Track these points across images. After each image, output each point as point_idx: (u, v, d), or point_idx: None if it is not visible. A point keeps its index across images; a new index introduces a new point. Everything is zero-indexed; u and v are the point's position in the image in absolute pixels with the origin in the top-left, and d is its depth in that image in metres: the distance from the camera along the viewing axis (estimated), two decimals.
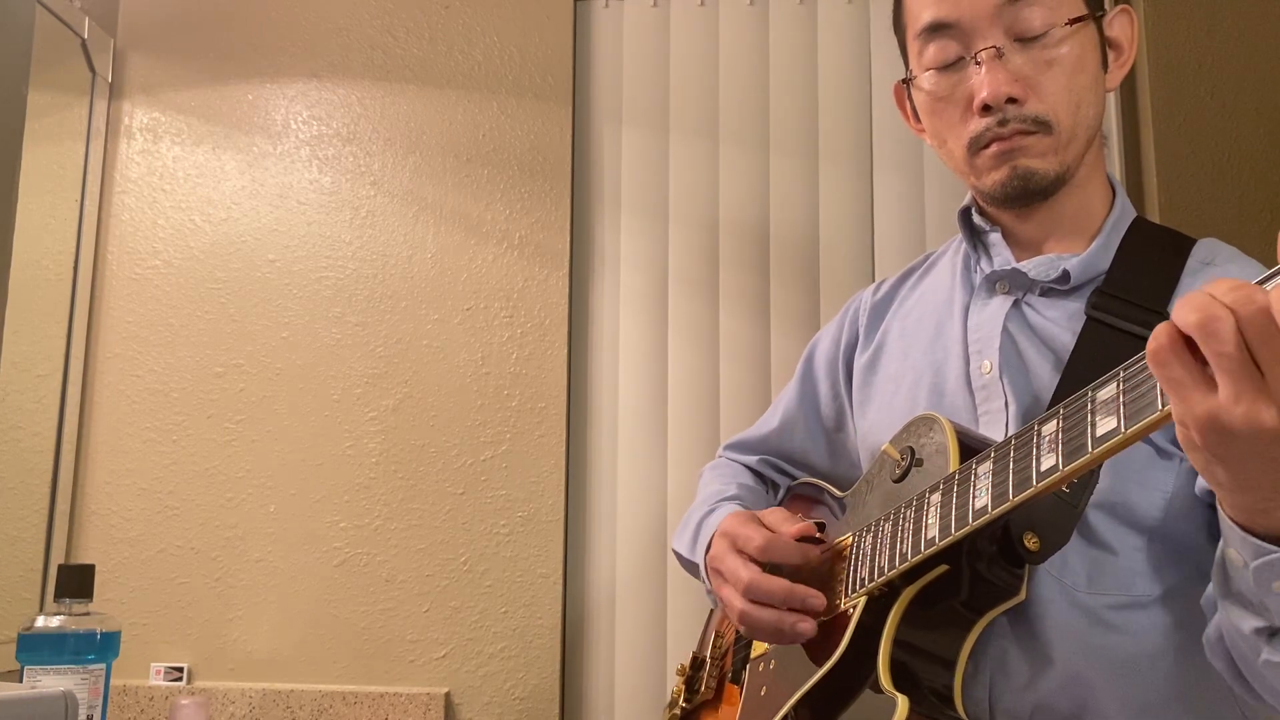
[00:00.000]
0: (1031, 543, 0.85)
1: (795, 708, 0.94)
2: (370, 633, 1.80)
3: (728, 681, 1.19)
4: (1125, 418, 0.66)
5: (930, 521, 0.85)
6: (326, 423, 1.86)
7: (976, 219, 1.11)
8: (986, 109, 0.98)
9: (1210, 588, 0.84)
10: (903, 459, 0.97)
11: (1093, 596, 0.91)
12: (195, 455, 1.86)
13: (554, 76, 1.94)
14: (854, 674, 0.89)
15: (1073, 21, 0.98)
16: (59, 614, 1.20)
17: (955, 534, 0.81)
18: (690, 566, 1.24)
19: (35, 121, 1.72)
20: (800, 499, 1.28)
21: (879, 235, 1.88)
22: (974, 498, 0.80)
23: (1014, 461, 0.77)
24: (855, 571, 0.96)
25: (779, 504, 1.32)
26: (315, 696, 1.76)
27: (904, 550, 0.88)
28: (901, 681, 0.84)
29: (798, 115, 1.92)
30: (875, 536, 0.94)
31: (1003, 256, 1.07)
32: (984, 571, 0.86)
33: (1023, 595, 0.89)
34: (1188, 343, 0.60)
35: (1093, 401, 0.69)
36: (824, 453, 1.30)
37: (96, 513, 1.85)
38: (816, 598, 0.95)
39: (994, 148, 1.00)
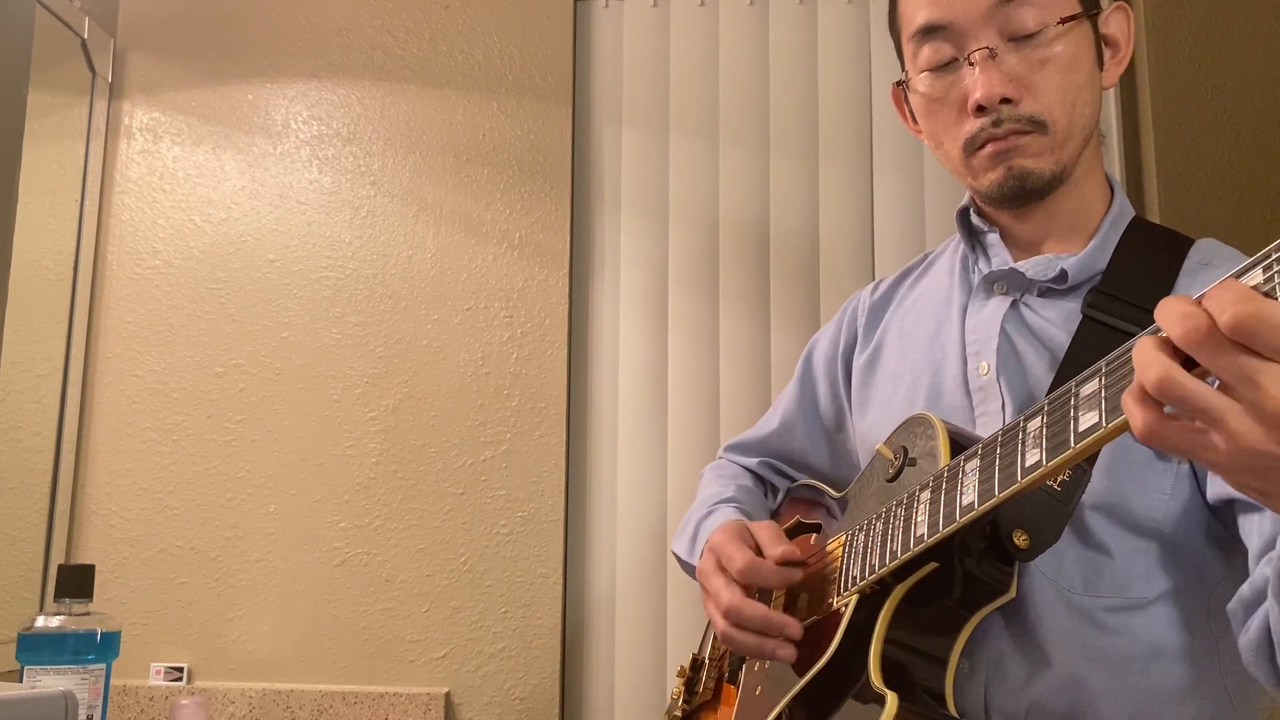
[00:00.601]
0: (1021, 540, 0.85)
1: (789, 706, 0.94)
2: (370, 633, 1.80)
3: (725, 682, 1.19)
4: (1106, 412, 0.66)
5: (920, 519, 0.85)
6: (326, 423, 1.86)
7: (974, 219, 1.11)
8: (981, 110, 0.98)
9: (1242, 596, 0.84)
10: (896, 458, 0.97)
11: (1089, 599, 0.91)
12: (195, 455, 1.87)
13: (554, 76, 1.94)
14: (846, 672, 0.89)
15: (1066, 20, 0.98)
16: (59, 614, 1.20)
17: (943, 531, 0.81)
18: (689, 569, 1.24)
19: (35, 121, 1.72)
20: (799, 501, 1.28)
21: (879, 235, 1.87)
22: (961, 494, 0.80)
23: (1000, 458, 0.77)
24: (848, 570, 0.96)
25: (778, 507, 1.32)
26: (315, 696, 1.76)
27: (894, 548, 0.88)
28: (892, 679, 0.84)
29: (798, 115, 1.92)
30: (867, 535, 0.94)
31: (1001, 257, 1.07)
32: (974, 569, 0.86)
33: (1013, 593, 0.89)
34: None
35: (1076, 396, 0.69)
36: (824, 453, 1.29)
37: (96, 513, 1.85)
38: (793, 627, 0.97)
39: (989, 148, 1.00)
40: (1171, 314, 0.57)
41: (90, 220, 1.90)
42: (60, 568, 1.24)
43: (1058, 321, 1.00)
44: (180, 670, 1.79)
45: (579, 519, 1.86)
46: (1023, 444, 0.74)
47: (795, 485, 1.33)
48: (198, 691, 1.76)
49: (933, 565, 0.87)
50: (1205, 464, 0.60)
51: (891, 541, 0.89)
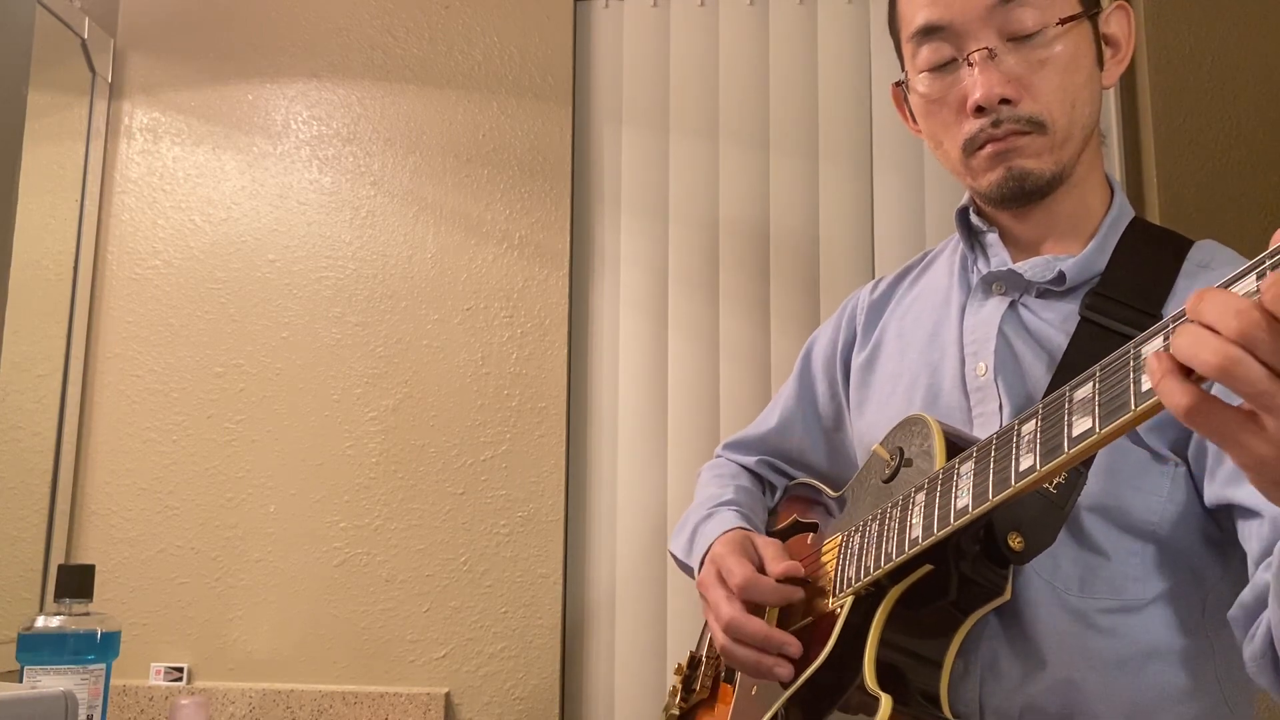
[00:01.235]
0: (1016, 543, 0.85)
1: (785, 706, 0.94)
2: (370, 633, 1.81)
3: (722, 681, 1.19)
4: (1100, 417, 0.65)
5: (914, 521, 0.85)
6: (326, 423, 1.86)
7: (974, 219, 1.11)
8: (980, 110, 0.98)
9: (1244, 603, 0.84)
10: (892, 459, 0.97)
11: (1084, 600, 0.91)
12: (195, 455, 1.87)
13: (554, 76, 1.94)
14: (841, 674, 0.89)
15: (1065, 20, 0.98)
16: (59, 614, 1.20)
17: (938, 534, 0.81)
18: (687, 569, 1.24)
19: (35, 121, 1.72)
20: (796, 499, 1.27)
21: (879, 235, 1.87)
22: (955, 497, 0.80)
23: (994, 461, 0.77)
24: (843, 571, 0.96)
25: (776, 505, 1.32)
26: (315, 696, 1.76)
27: (889, 550, 0.88)
28: (887, 681, 0.84)
29: (798, 115, 1.92)
30: (863, 536, 0.94)
31: (1000, 257, 1.07)
32: (968, 571, 0.86)
33: (1008, 595, 0.89)
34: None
35: (1070, 401, 0.69)
36: (822, 452, 1.29)
37: (96, 513, 1.86)
38: (792, 645, 0.97)
39: (989, 149, 1.00)
40: (1226, 310, 0.56)
41: (90, 220, 1.91)
42: (60, 568, 1.24)
43: (1056, 323, 1.00)
44: (180, 670, 1.80)
45: (579, 519, 1.86)
46: (1017, 448, 0.74)
47: (793, 483, 1.32)
48: (198, 691, 1.76)
49: (928, 568, 0.87)
50: (1241, 458, 0.59)
51: (886, 544, 0.89)
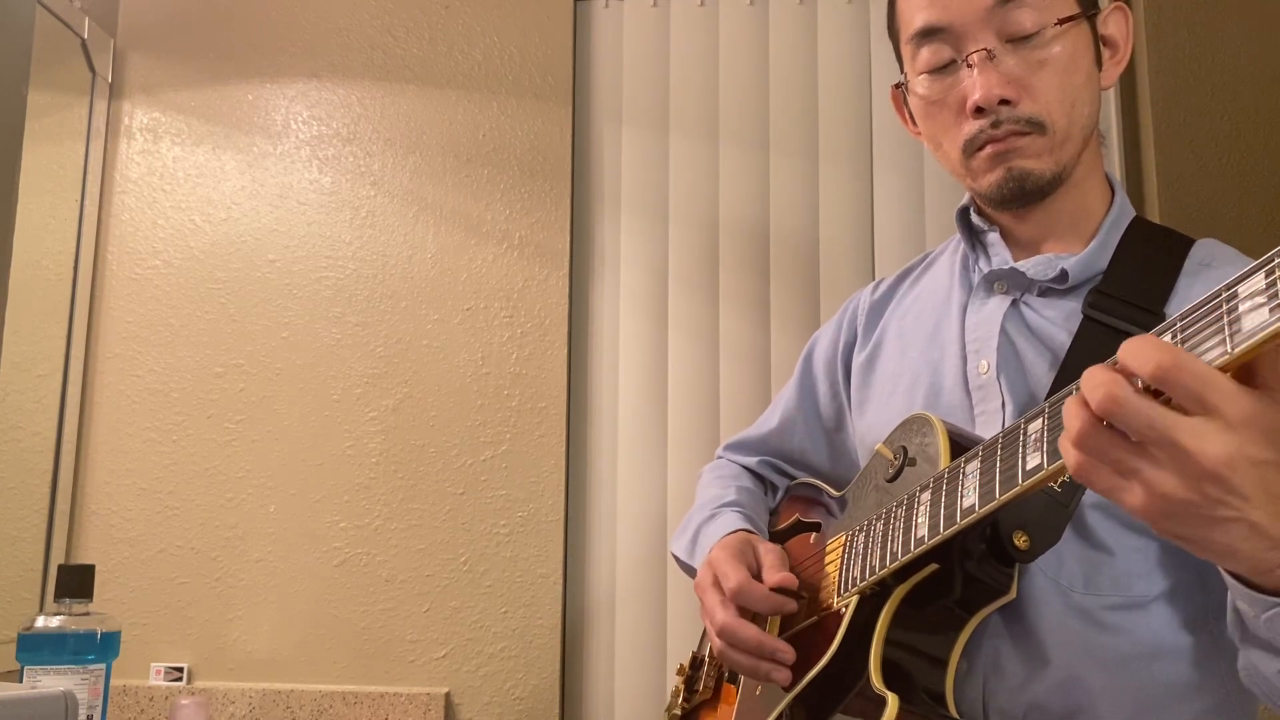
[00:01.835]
0: (1021, 541, 0.85)
1: (789, 706, 0.94)
2: (370, 633, 1.80)
3: (725, 681, 1.19)
4: None
5: (920, 520, 0.85)
6: (326, 423, 1.86)
7: (975, 219, 1.11)
8: (979, 111, 0.98)
9: (1229, 619, 0.84)
10: (896, 458, 0.97)
11: (1089, 597, 0.91)
12: (195, 455, 1.87)
13: (554, 76, 1.94)
14: (846, 673, 0.89)
15: (1064, 21, 0.98)
16: (59, 614, 1.20)
17: (944, 533, 0.81)
18: (689, 570, 1.24)
19: (35, 121, 1.72)
20: (798, 499, 1.27)
21: (879, 235, 1.87)
22: (962, 496, 0.80)
23: (1001, 460, 0.77)
24: (848, 571, 0.96)
25: (777, 505, 1.32)
26: (315, 696, 1.76)
27: (894, 549, 0.88)
28: (893, 680, 0.84)
29: (798, 115, 1.92)
30: (867, 536, 0.94)
31: (1001, 256, 1.07)
32: (974, 570, 0.86)
33: (1013, 594, 0.89)
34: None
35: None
36: (824, 452, 1.29)
37: (96, 513, 1.85)
38: (785, 652, 0.97)
39: (988, 149, 1.00)
40: (1089, 383, 0.62)
41: (90, 220, 1.90)
42: (60, 568, 1.24)
43: (1058, 321, 1.00)
44: (180, 670, 1.79)
45: (579, 519, 1.86)
46: (1023, 446, 0.74)
47: (794, 483, 1.32)
48: (198, 691, 1.76)
49: (933, 566, 0.87)
50: (1128, 510, 0.64)
51: (892, 543, 0.89)
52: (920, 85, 1.04)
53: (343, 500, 1.84)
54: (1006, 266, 1.04)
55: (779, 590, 1.01)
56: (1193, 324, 0.61)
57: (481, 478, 1.84)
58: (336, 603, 1.81)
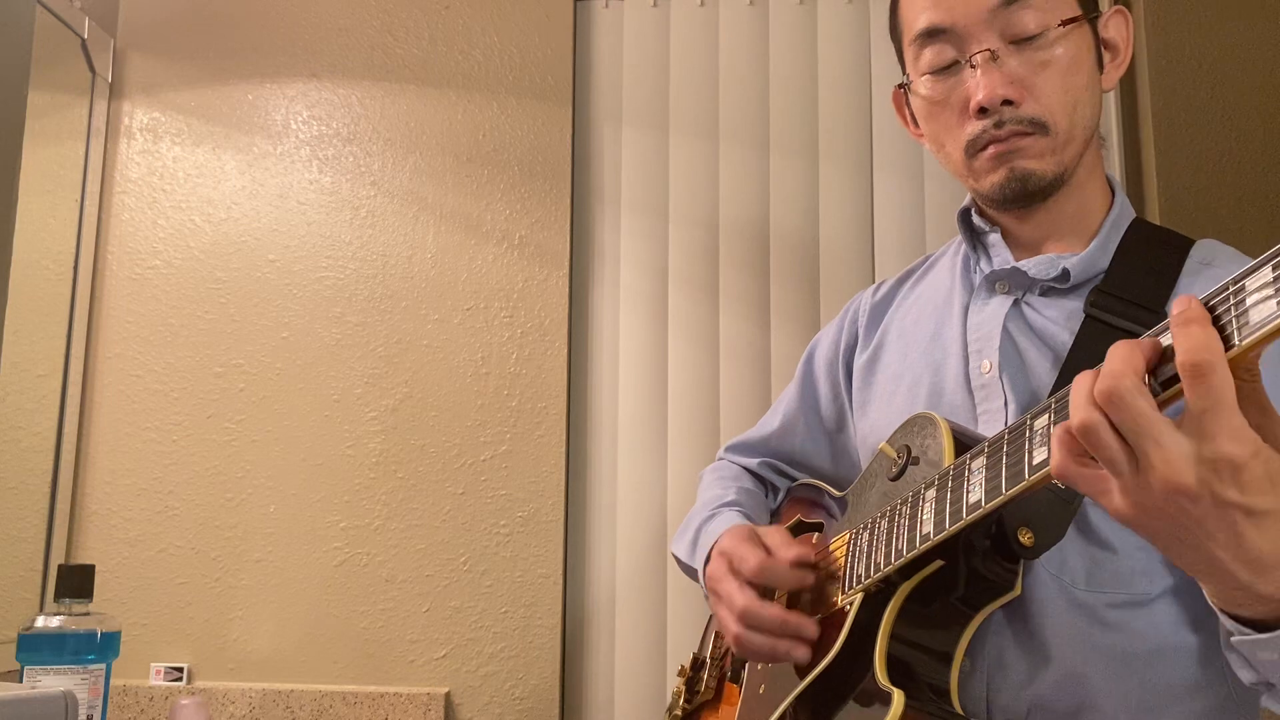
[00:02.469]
0: (1026, 538, 0.85)
1: (793, 705, 0.94)
2: (370, 633, 1.80)
3: (727, 681, 1.19)
4: None
5: (925, 517, 0.85)
6: (326, 423, 1.86)
7: (976, 220, 1.11)
8: (983, 111, 0.98)
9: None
10: (899, 457, 0.97)
11: (1092, 594, 0.91)
12: (195, 455, 1.86)
13: (554, 76, 1.94)
14: (851, 670, 0.89)
15: (1067, 22, 0.98)
16: (59, 614, 1.20)
17: (950, 529, 0.81)
18: (689, 571, 1.24)
19: (35, 121, 1.72)
20: (799, 500, 1.27)
21: (879, 235, 1.88)
22: (968, 492, 0.80)
23: (1007, 455, 0.77)
24: (852, 568, 0.96)
25: (778, 506, 1.32)
26: (315, 696, 1.76)
27: (899, 546, 0.88)
28: (898, 676, 0.84)
29: (798, 115, 1.92)
30: (872, 534, 0.94)
31: (1002, 256, 1.07)
32: (979, 567, 0.86)
33: (1018, 590, 0.89)
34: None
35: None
36: (825, 453, 1.29)
37: (96, 513, 1.85)
38: (810, 626, 0.97)
39: (991, 150, 1.00)
40: (1110, 360, 0.64)
41: (90, 220, 1.90)
42: (60, 568, 1.24)
43: (1060, 320, 1.00)
44: (180, 670, 1.79)
45: (579, 519, 1.86)
46: (1030, 442, 0.74)
47: (796, 485, 1.32)
48: (198, 691, 1.76)
49: (938, 563, 0.88)
50: (1108, 511, 0.66)
51: (897, 540, 0.89)
52: (923, 85, 1.04)
53: (343, 500, 1.84)
54: (1008, 266, 1.05)
55: (798, 565, 1.01)
56: None
57: (481, 478, 1.84)
58: (336, 603, 1.81)
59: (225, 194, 1.94)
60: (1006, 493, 0.76)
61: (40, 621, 1.19)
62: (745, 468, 1.36)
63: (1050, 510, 0.87)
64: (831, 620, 0.95)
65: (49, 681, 1.16)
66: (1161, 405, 0.63)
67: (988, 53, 0.98)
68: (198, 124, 1.96)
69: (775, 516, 1.30)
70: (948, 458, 0.89)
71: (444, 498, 1.83)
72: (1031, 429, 0.75)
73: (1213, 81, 1.79)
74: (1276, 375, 0.69)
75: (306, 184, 1.94)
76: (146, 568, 1.84)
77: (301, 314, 1.90)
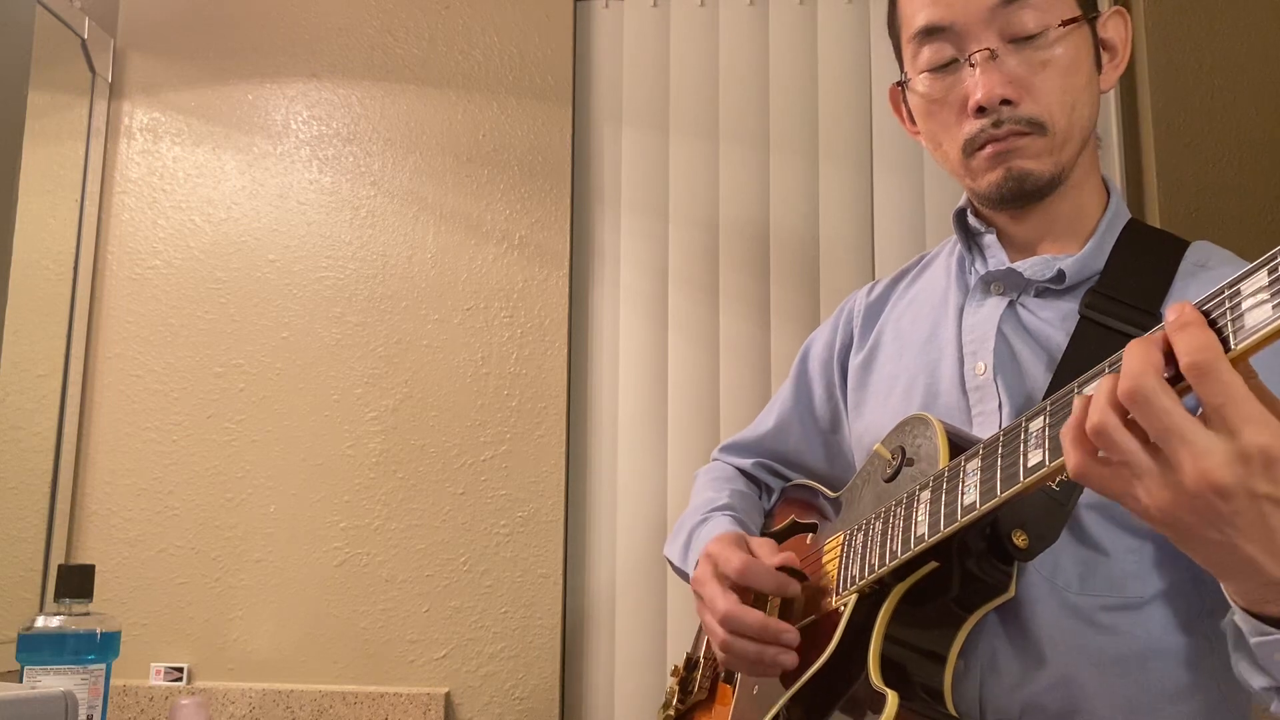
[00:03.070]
0: (1020, 540, 0.85)
1: (787, 705, 0.94)
2: (370, 633, 1.81)
3: (720, 681, 1.19)
4: None
5: (920, 518, 0.85)
6: (326, 423, 1.87)
7: (971, 220, 1.11)
8: (981, 110, 0.98)
9: (1227, 619, 0.84)
10: (894, 458, 0.97)
11: (1084, 597, 0.91)
12: (195, 455, 1.87)
13: (554, 76, 1.94)
14: (845, 671, 0.89)
15: (1066, 23, 0.98)
16: (59, 614, 1.20)
17: (944, 531, 0.82)
18: (682, 574, 1.24)
19: (35, 121, 1.72)
20: (793, 501, 1.27)
21: (879, 235, 1.88)
22: (963, 494, 0.80)
23: (1002, 458, 0.77)
24: (846, 569, 0.96)
25: (772, 507, 1.32)
26: (315, 696, 1.76)
27: (894, 548, 0.88)
28: (891, 678, 0.84)
29: (798, 115, 1.92)
30: (866, 535, 0.94)
31: (997, 257, 1.07)
32: (973, 568, 0.86)
33: (1012, 592, 0.89)
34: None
35: (1079, 396, 0.70)
36: (820, 454, 1.29)
37: (96, 513, 1.86)
38: (790, 633, 0.96)
39: (989, 149, 1.00)
40: (1129, 359, 0.63)
41: (90, 220, 1.91)
42: (60, 568, 1.24)
43: (1055, 322, 1.00)
44: (180, 670, 1.79)
45: (579, 519, 1.86)
46: (1025, 444, 0.74)
47: (790, 485, 1.32)
48: (198, 691, 1.76)
49: (932, 565, 0.88)
50: (1131, 511, 0.66)
51: (891, 541, 0.89)
52: (921, 84, 1.04)
53: (343, 500, 1.84)
54: (1003, 267, 1.04)
55: (782, 570, 1.01)
56: None
57: (481, 478, 1.84)
58: (336, 603, 1.82)
59: (225, 194, 1.95)
60: (1001, 495, 0.76)
61: (40, 621, 1.19)
62: (739, 469, 1.35)
63: (1044, 513, 0.87)
64: (825, 621, 0.95)
65: (49, 681, 1.16)
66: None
67: (987, 52, 0.98)
68: (198, 124, 1.97)
69: (769, 517, 1.30)
70: (943, 459, 0.89)
71: (444, 498, 1.84)
72: (1027, 431, 0.75)
73: (1213, 82, 1.78)
74: (1273, 368, 0.69)
75: (306, 184, 1.94)
76: (146, 568, 1.84)
77: (301, 314, 1.90)
